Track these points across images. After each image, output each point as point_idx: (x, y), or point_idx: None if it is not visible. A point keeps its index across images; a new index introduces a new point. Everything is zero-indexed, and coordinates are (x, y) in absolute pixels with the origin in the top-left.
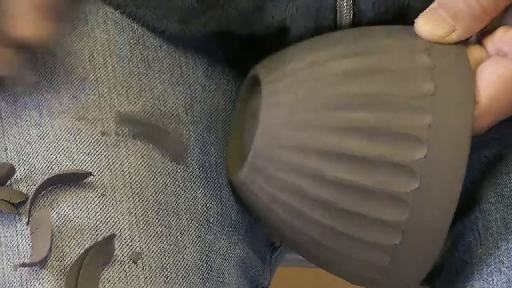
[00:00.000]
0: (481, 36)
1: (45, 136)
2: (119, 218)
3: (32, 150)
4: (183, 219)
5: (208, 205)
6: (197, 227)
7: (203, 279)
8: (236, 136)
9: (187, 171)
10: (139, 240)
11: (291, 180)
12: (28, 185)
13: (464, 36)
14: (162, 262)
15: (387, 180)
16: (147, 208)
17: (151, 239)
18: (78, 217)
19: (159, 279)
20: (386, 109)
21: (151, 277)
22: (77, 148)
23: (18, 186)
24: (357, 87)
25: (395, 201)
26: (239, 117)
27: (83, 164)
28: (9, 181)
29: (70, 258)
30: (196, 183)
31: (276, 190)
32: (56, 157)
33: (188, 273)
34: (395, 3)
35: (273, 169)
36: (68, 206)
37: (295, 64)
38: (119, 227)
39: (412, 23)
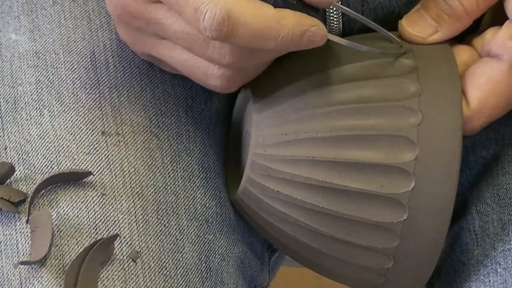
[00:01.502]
0: (471, 38)
1: (45, 136)
2: (118, 217)
3: (32, 149)
4: (183, 219)
5: (207, 205)
6: (197, 226)
7: (201, 278)
8: (234, 151)
9: (187, 171)
10: (138, 239)
11: (285, 192)
12: (28, 184)
13: (446, 36)
14: (161, 261)
15: (382, 183)
16: (146, 207)
17: (151, 238)
18: (77, 216)
19: (158, 278)
20: (374, 114)
21: (150, 276)
22: (77, 148)
23: (18, 185)
24: (343, 96)
25: (392, 203)
26: (236, 133)
27: (83, 163)
28: (9, 179)
29: (69, 257)
30: (196, 183)
31: (272, 203)
32: (56, 156)
33: (187, 272)
34: (384, 12)
35: (269, 184)
36: (68, 205)
37: (284, 91)
38: (119, 226)
39: None
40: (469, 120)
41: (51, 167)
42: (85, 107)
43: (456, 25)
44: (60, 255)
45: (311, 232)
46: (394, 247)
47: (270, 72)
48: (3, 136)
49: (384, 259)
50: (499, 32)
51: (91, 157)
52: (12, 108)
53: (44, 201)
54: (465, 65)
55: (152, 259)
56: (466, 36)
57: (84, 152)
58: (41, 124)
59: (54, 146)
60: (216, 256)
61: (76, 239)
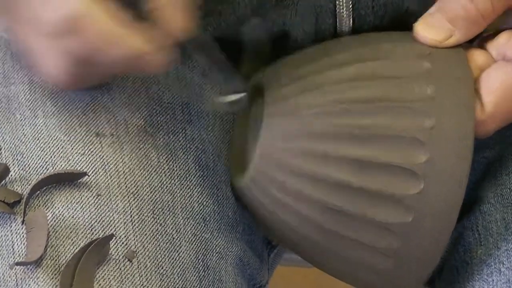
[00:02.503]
0: (485, 41)
1: (40, 136)
2: (114, 217)
3: (27, 150)
4: (179, 218)
5: (204, 203)
6: (193, 225)
7: (199, 277)
8: (240, 140)
9: (184, 170)
10: (134, 239)
11: (293, 184)
12: (23, 185)
13: (462, 40)
14: (157, 261)
15: (390, 183)
16: (142, 207)
17: (147, 237)
18: (73, 217)
19: (155, 277)
20: (387, 114)
21: (146, 275)
22: (72, 148)
23: (13, 186)
24: (357, 94)
25: (399, 204)
26: (243, 121)
27: (77, 164)
28: (4, 180)
29: (65, 257)
30: (193, 181)
31: (278, 194)
32: (51, 157)
33: (184, 271)
34: (394, 7)
35: (277, 175)
36: (63, 205)
37: (298, 85)
38: (114, 226)
39: (411, 26)
40: (483, 124)
41: (46, 167)
42: (78, 108)
43: (471, 28)
44: (55, 256)
45: (315, 226)
46: (397, 248)
47: (285, 66)
48: None
49: (385, 259)
50: None
51: (86, 158)
52: (6, 108)
53: (39, 201)
54: (480, 69)
55: (148, 258)
56: (477, 38)
57: (79, 153)
58: (35, 125)
59: (49, 147)
60: (214, 254)
61: (72, 240)
